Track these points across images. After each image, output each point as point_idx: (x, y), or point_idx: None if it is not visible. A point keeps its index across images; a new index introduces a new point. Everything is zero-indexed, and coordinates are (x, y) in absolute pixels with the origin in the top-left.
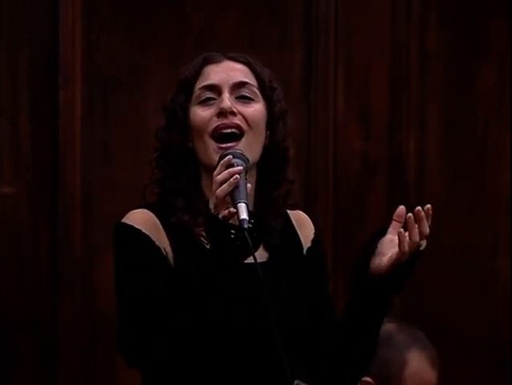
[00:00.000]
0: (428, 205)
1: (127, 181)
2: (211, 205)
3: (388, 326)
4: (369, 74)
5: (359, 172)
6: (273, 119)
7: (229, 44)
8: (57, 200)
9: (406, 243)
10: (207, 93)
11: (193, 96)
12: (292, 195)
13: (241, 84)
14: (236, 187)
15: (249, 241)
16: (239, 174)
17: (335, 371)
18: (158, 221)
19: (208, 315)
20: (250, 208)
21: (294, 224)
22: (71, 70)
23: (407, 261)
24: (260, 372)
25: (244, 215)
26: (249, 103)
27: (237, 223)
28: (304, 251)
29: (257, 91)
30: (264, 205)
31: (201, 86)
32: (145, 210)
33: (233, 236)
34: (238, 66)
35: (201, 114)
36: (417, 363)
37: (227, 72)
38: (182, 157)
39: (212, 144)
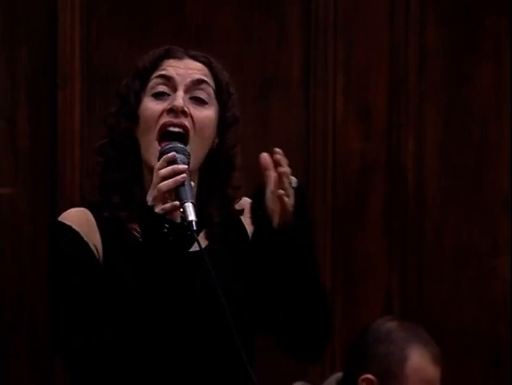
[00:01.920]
0: (276, 148)
1: None
2: (149, 197)
3: (390, 324)
4: (368, 74)
5: (359, 172)
6: (224, 124)
7: (227, 42)
8: (56, 201)
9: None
10: (161, 86)
11: (148, 85)
12: (236, 201)
13: (199, 82)
14: (181, 185)
15: (200, 244)
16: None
17: (294, 336)
18: (92, 218)
19: (142, 311)
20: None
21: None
22: (70, 69)
23: (296, 206)
24: (211, 363)
25: (192, 216)
26: (201, 106)
27: (176, 218)
28: (250, 235)
29: (212, 93)
30: (205, 199)
31: (157, 74)
32: (81, 208)
33: (166, 230)
34: (199, 65)
35: (153, 107)
36: (418, 359)
37: (186, 69)
38: (127, 145)
39: (156, 145)
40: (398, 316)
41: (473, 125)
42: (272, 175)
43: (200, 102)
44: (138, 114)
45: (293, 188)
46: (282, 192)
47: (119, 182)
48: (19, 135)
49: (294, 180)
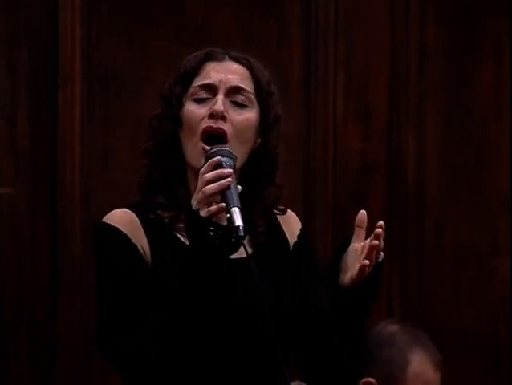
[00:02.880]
0: (381, 222)
1: (126, 181)
2: (193, 201)
3: (391, 328)
4: (368, 74)
5: (359, 172)
6: (266, 125)
7: (227, 42)
8: (56, 201)
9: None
10: (203, 93)
11: (190, 91)
12: (281, 200)
13: (237, 89)
14: (227, 188)
15: (246, 250)
16: (229, 176)
17: (324, 365)
18: (137, 219)
19: (186, 313)
20: None
21: (280, 222)
22: (70, 70)
23: (370, 273)
24: (250, 369)
25: (239, 221)
26: (241, 109)
27: (222, 221)
28: (291, 246)
29: (252, 98)
30: (249, 204)
31: (199, 84)
32: (125, 209)
33: (212, 233)
34: (239, 68)
35: (195, 112)
36: (419, 364)
37: (226, 74)
38: (170, 147)
39: (200, 145)
40: (399, 319)
41: (473, 125)
42: (361, 232)
43: (240, 105)
44: (180, 117)
45: (377, 261)
46: (366, 262)
47: (163, 183)
48: (19, 135)
49: (382, 255)
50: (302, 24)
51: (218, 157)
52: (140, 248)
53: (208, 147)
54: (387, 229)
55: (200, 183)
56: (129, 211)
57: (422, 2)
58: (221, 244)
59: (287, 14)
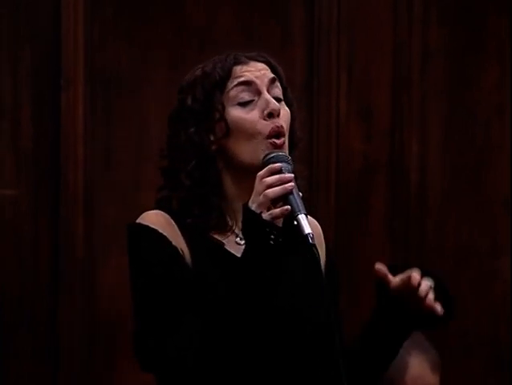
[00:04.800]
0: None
1: (128, 182)
2: (252, 204)
3: None
4: (371, 75)
5: (361, 173)
6: (292, 118)
7: (228, 42)
8: (59, 202)
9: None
10: (245, 93)
11: (228, 95)
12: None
13: (273, 80)
14: (290, 193)
15: (317, 255)
16: (291, 181)
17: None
18: (173, 222)
19: (229, 318)
20: None
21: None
22: (73, 72)
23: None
24: (294, 377)
25: (308, 229)
26: (280, 103)
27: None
28: (322, 261)
29: (282, 90)
30: None
31: (238, 82)
32: (159, 211)
33: (273, 236)
34: (263, 65)
35: (246, 116)
36: (418, 367)
37: (258, 71)
38: (214, 159)
39: (267, 142)
40: None
41: (475, 125)
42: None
43: (278, 100)
44: (228, 124)
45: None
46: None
47: (201, 194)
48: (22, 136)
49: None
50: (304, 25)
51: (278, 164)
52: (180, 251)
53: (278, 141)
54: (388, 229)
55: (260, 186)
56: (164, 213)
57: (425, 2)
58: (282, 247)
59: (290, 15)
